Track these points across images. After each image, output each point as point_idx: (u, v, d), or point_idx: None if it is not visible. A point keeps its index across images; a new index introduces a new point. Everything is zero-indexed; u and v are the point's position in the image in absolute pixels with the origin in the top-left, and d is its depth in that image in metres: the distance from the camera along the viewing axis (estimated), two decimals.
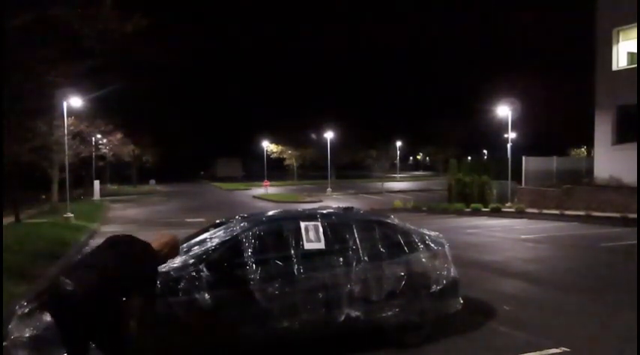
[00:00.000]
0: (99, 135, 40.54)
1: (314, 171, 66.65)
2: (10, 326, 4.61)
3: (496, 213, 22.23)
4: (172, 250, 4.23)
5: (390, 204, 29.35)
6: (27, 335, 4.34)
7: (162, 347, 4.54)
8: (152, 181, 65.69)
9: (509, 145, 25.20)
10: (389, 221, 6.09)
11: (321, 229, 5.44)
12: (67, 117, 22.86)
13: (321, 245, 5.36)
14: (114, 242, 4.04)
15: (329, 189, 42.68)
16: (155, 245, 4.09)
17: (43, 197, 31.71)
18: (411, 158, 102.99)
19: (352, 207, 6.34)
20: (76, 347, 3.66)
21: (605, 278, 9.01)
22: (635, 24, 18.58)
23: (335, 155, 49.83)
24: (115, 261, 3.75)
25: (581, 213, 19.10)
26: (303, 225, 5.42)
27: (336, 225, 5.58)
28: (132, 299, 3.74)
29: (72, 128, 27.44)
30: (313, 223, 5.47)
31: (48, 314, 4.36)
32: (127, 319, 3.71)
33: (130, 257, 3.84)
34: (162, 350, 4.55)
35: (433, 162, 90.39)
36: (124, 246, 3.97)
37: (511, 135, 26.22)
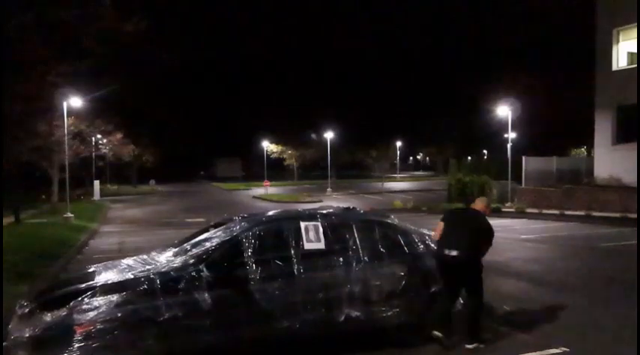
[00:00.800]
0: (99, 135, 40.53)
1: (314, 171, 66.62)
2: (10, 326, 4.61)
3: (496, 213, 22.15)
4: (488, 208, 5.96)
5: (390, 204, 29.33)
6: (27, 335, 4.33)
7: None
8: (152, 181, 65.60)
9: (509, 145, 25.16)
10: (389, 221, 6.10)
11: (321, 229, 5.44)
12: (67, 117, 22.85)
13: (321, 245, 5.36)
14: (469, 215, 5.83)
15: (329, 189, 42.65)
16: (478, 207, 5.84)
17: (43, 197, 31.72)
18: (411, 158, 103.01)
19: (352, 207, 6.34)
20: (454, 292, 5.53)
21: (605, 278, 9.00)
22: (635, 24, 18.56)
23: (335, 155, 49.80)
24: (472, 229, 5.52)
25: (581, 213, 19.09)
26: (303, 225, 5.42)
27: (336, 225, 5.59)
28: (482, 252, 5.57)
29: (72, 128, 27.46)
30: (313, 223, 5.47)
31: (49, 314, 4.36)
32: (481, 267, 5.50)
33: (479, 224, 5.61)
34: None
35: (433, 162, 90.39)
36: (473, 217, 5.71)
37: (511, 135, 26.17)
